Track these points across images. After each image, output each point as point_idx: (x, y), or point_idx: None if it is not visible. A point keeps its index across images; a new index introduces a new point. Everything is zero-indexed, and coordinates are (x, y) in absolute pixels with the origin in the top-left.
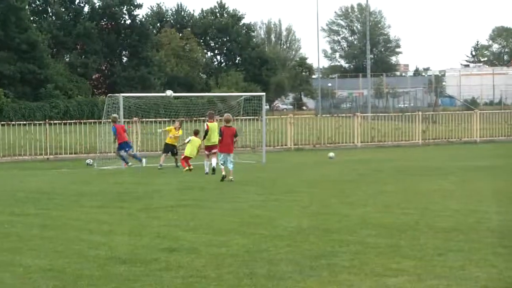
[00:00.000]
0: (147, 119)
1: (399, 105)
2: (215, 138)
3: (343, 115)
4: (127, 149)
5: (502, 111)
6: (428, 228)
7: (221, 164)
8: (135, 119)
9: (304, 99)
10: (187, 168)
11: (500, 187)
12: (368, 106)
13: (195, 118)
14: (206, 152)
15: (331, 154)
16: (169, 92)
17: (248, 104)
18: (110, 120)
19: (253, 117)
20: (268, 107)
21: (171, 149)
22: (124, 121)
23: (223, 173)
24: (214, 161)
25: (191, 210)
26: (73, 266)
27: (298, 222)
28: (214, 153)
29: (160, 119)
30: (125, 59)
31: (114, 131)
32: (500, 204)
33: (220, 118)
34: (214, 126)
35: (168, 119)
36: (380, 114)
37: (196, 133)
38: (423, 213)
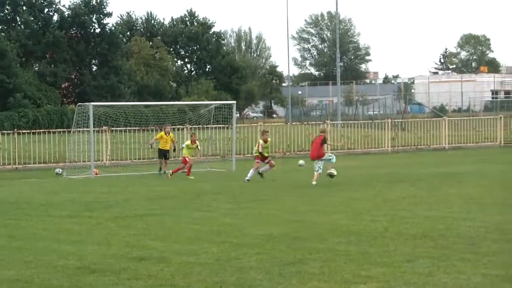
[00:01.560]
0: (116, 128)
1: (369, 113)
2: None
3: (313, 122)
4: None
5: (470, 118)
6: (397, 235)
7: (316, 170)
8: (104, 128)
9: (274, 107)
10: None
11: (469, 193)
12: (338, 113)
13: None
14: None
15: (301, 161)
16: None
17: (218, 112)
18: None
19: (223, 125)
20: (238, 115)
21: (164, 154)
22: (94, 130)
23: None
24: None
25: (160, 219)
26: (41, 277)
27: (268, 230)
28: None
29: (130, 128)
30: (94, 68)
31: None
32: (469, 211)
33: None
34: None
35: (138, 128)
36: (350, 122)
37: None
38: (393, 219)
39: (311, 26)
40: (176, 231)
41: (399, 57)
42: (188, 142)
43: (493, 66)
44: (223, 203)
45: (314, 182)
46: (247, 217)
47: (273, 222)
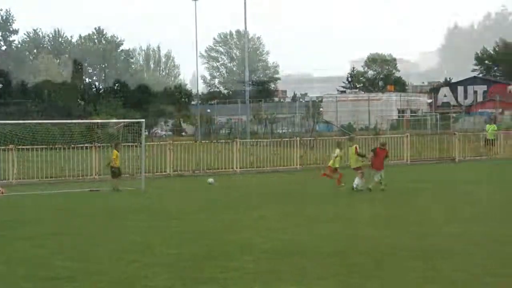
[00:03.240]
0: (23, 146)
1: (278, 131)
2: (351, 162)
3: (222, 141)
4: None
5: (377, 136)
6: (308, 253)
7: (378, 179)
8: (11, 146)
9: (183, 125)
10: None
11: (379, 212)
12: (247, 131)
13: (73, 146)
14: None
15: (211, 179)
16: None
17: (127, 130)
18: None
19: (132, 143)
20: (147, 133)
21: (120, 171)
22: (0, 149)
23: (370, 186)
24: (356, 180)
25: (71, 238)
26: None
27: (178, 248)
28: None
29: (37, 146)
30: (0, 86)
31: None
32: (374, 228)
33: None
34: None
35: (45, 146)
36: (259, 140)
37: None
38: (304, 237)
39: (220, 44)
40: (86, 250)
41: (308, 75)
42: (341, 152)
43: (400, 85)
44: (133, 222)
45: (370, 186)
46: (157, 236)
47: (184, 241)
